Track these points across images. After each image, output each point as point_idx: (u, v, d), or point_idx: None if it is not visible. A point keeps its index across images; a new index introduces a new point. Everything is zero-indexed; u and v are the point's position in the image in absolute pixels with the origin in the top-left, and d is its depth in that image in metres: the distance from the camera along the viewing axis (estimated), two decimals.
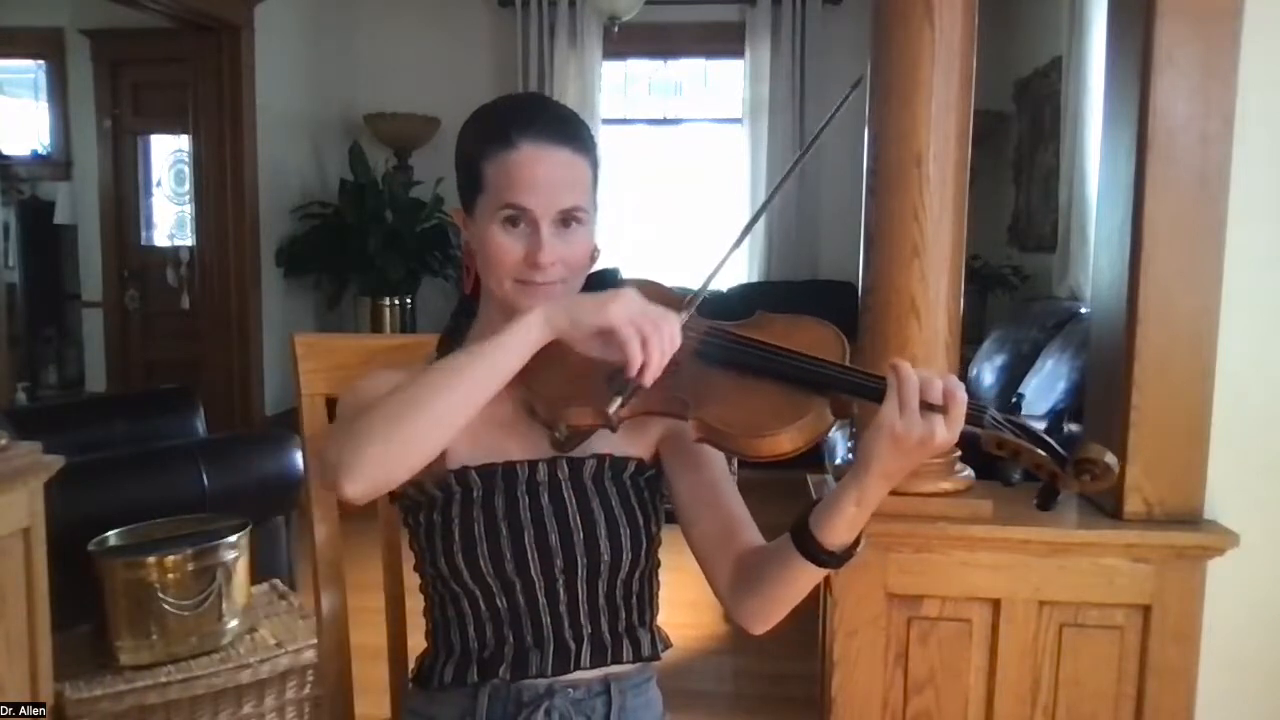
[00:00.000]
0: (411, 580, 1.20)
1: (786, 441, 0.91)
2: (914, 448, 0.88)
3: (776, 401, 0.93)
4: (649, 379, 0.88)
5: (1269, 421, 1.39)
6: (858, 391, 0.92)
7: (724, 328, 1.02)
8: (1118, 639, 1.35)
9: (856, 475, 0.91)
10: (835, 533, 0.94)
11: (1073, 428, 1.47)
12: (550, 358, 1.03)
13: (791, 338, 0.98)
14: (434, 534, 1.04)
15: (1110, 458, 0.87)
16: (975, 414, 0.88)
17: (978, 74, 1.36)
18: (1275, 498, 1.39)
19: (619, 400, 0.90)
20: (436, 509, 1.04)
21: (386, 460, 0.89)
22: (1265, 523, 1.38)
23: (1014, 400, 0.95)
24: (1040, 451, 0.87)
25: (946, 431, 0.87)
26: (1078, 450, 0.87)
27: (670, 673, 1.16)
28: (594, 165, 1.06)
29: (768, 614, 1.04)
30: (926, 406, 0.86)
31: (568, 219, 1.02)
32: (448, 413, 0.91)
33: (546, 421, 1.00)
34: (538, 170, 1.00)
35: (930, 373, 0.88)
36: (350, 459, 0.88)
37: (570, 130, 1.03)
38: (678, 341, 0.91)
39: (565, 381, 0.98)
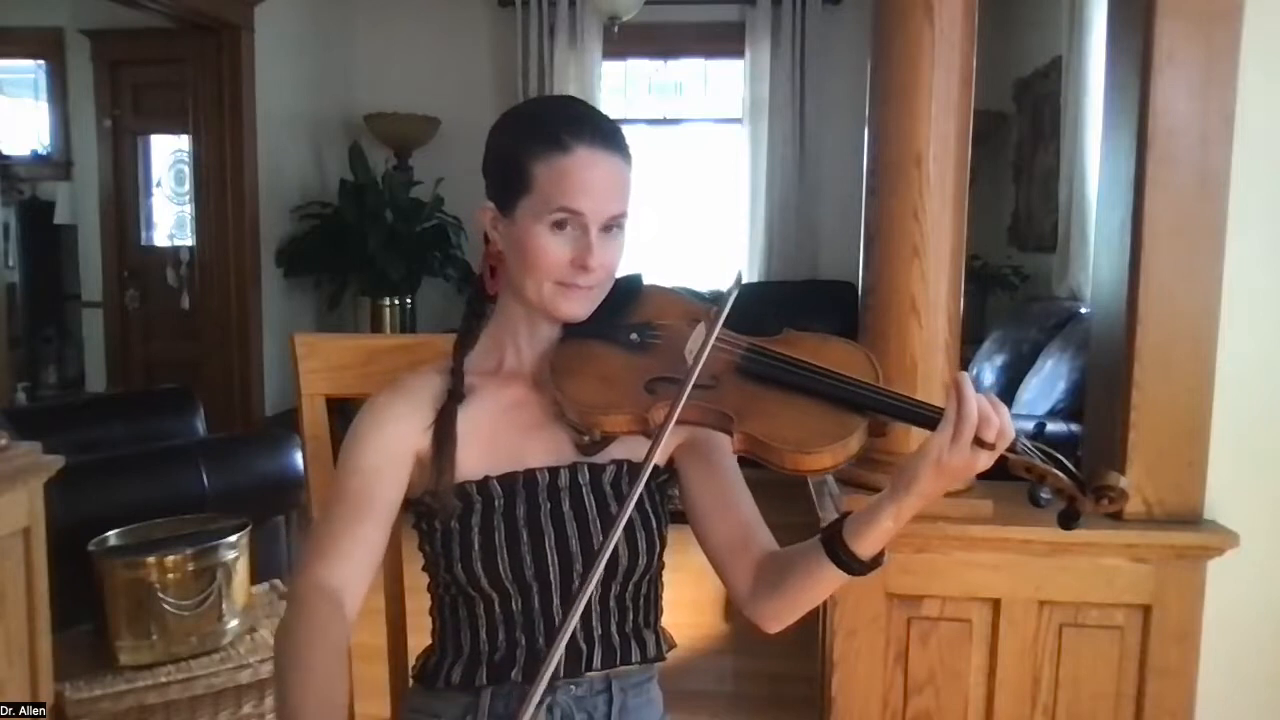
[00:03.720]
0: (411, 580, 1.20)
1: (829, 458, 0.94)
2: (955, 474, 0.91)
3: (822, 420, 0.95)
4: None
5: (1269, 421, 1.39)
6: (911, 419, 0.95)
7: (764, 345, 1.03)
8: (1118, 639, 1.35)
9: (895, 494, 0.94)
10: (868, 544, 0.96)
11: (1075, 427, 1.47)
12: (582, 361, 1.03)
13: (821, 356, 1.00)
14: (451, 540, 1.03)
15: (1125, 482, 0.92)
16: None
17: (978, 74, 1.37)
18: (1275, 498, 1.39)
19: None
20: (455, 516, 1.03)
21: None
22: (1265, 523, 1.38)
23: (1037, 426, 0.97)
24: (1063, 477, 0.91)
25: (988, 462, 0.91)
26: (1096, 477, 0.92)
27: (670, 673, 1.16)
28: (631, 173, 1.06)
29: (786, 614, 1.06)
30: (977, 442, 0.89)
31: (612, 225, 1.03)
32: None
33: (579, 426, 1.00)
34: (593, 175, 1.00)
35: (987, 407, 0.89)
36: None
37: (618, 137, 1.04)
38: None
39: (601, 386, 0.99)
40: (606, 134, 1.03)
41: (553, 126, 1.01)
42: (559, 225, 1.01)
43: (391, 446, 1.03)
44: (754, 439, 0.94)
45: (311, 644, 0.93)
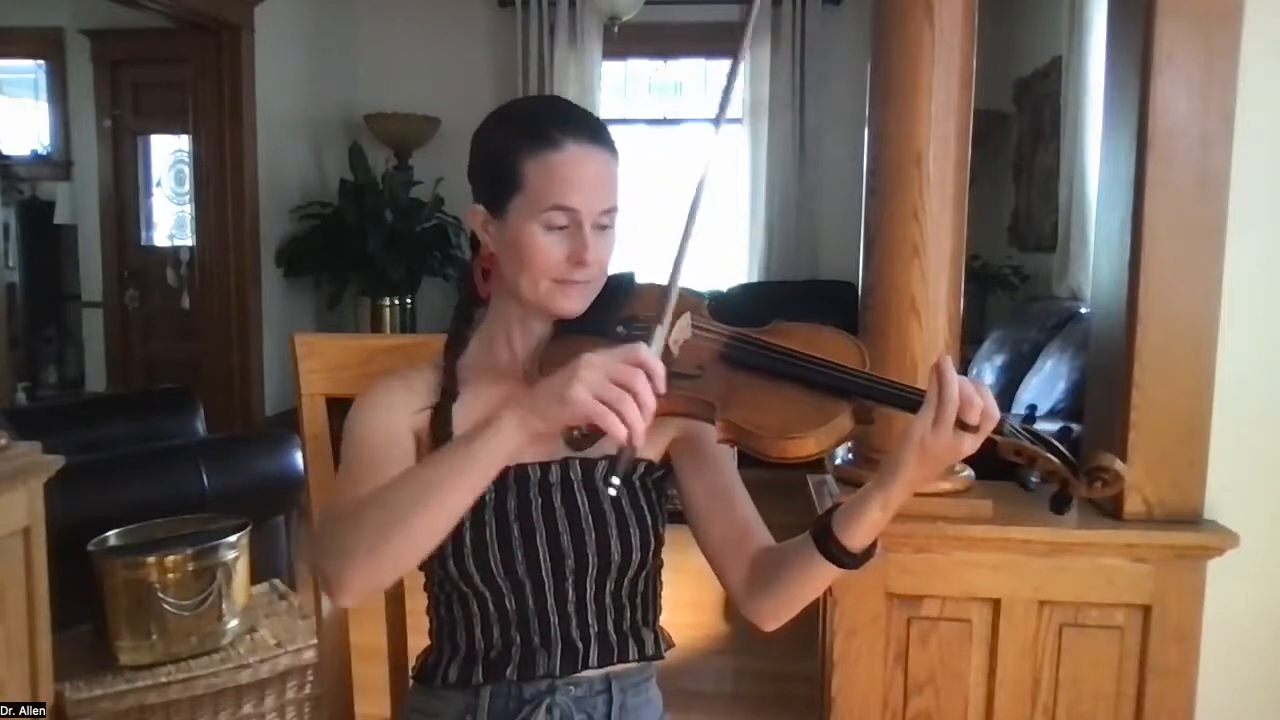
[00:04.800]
0: (411, 580, 1.19)
1: (813, 444, 0.93)
2: (940, 458, 0.90)
3: (804, 406, 0.95)
4: (640, 440, 0.83)
5: (1269, 421, 1.39)
6: (893, 402, 0.94)
7: (750, 334, 1.03)
8: (1118, 639, 1.35)
9: (882, 482, 0.93)
10: (858, 536, 0.96)
11: (1073, 427, 1.47)
12: (572, 356, 1.03)
13: (812, 346, 1.00)
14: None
15: (1120, 465, 0.90)
16: (997, 423, 0.90)
17: (978, 74, 1.36)
18: (1275, 498, 1.39)
19: (620, 470, 0.86)
20: None
21: (375, 580, 0.90)
22: (1265, 523, 1.38)
23: (1028, 410, 0.96)
24: (1054, 459, 0.90)
25: (973, 445, 0.89)
26: (1090, 459, 0.90)
27: (670, 673, 1.16)
28: (619, 167, 1.06)
29: (782, 612, 1.06)
30: (960, 424, 0.88)
31: (604, 220, 1.03)
32: (428, 530, 0.89)
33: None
34: (585, 171, 1.00)
35: (970, 388, 0.88)
36: (341, 575, 0.89)
37: (605, 132, 1.05)
38: (660, 379, 0.84)
39: None
40: (595, 130, 1.03)
41: (542, 124, 1.01)
42: (553, 223, 1.01)
43: (392, 423, 1.04)
44: (736, 426, 0.94)
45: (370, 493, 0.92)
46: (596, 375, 0.83)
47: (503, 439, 0.87)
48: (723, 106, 1.00)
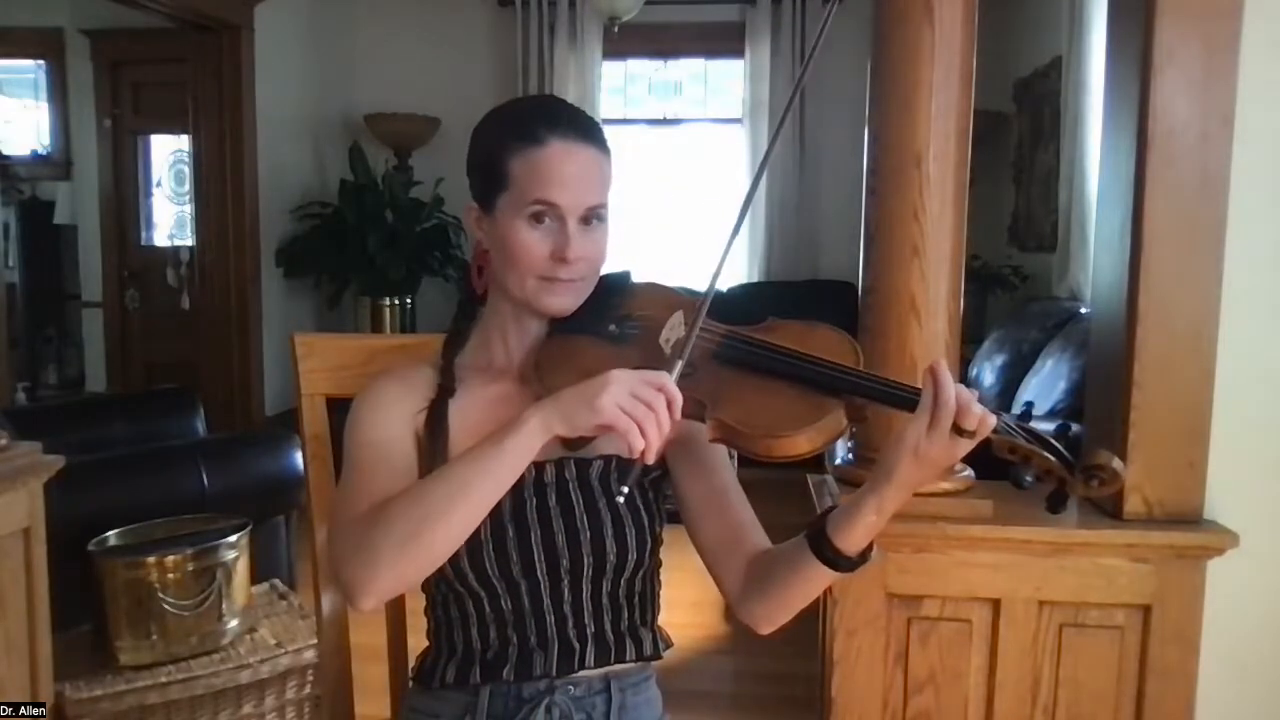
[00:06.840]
0: None
1: (805, 443, 0.93)
2: (936, 463, 0.90)
3: (795, 404, 0.94)
4: (651, 458, 0.88)
5: (1269, 421, 1.39)
6: (887, 400, 0.93)
7: (742, 332, 1.03)
8: (1118, 639, 1.35)
9: (876, 486, 0.93)
10: (853, 539, 0.96)
11: (1071, 425, 1.47)
12: (565, 356, 1.03)
13: (806, 343, 1.00)
14: None
15: (1117, 463, 0.89)
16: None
17: (978, 74, 1.36)
18: (1275, 498, 1.39)
19: (629, 481, 0.91)
20: None
21: (399, 580, 0.93)
22: (1265, 523, 1.38)
23: (1024, 407, 0.95)
24: (1050, 457, 0.89)
25: (967, 448, 0.90)
26: (1086, 456, 0.89)
27: (670, 673, 1.16)
28: (610, 166, 1.06)
29: (778, 615, 1.05)
30: (956, 430, 0.88)
31: (591, 216, 1.03)
32: (453, 531, 0.92)
33: None
34: (568, 167, 1.01)
35: (966, 395, 0.88)
36: (368, 577, 0.91)
37: (594, 130, 1.05)
38: (678, 406, 0.89)
39: (582, 379, 0.99)
40: (581, 127, 1.03)
41: (528, 121, 1.02)
42: (537, 218, 1.01)
43: (393, 422, 1.04)
44: (726, 425, 0.94)
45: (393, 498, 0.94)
46: (624, 390, 0.88)
47: (529, 438, 0.91)
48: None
